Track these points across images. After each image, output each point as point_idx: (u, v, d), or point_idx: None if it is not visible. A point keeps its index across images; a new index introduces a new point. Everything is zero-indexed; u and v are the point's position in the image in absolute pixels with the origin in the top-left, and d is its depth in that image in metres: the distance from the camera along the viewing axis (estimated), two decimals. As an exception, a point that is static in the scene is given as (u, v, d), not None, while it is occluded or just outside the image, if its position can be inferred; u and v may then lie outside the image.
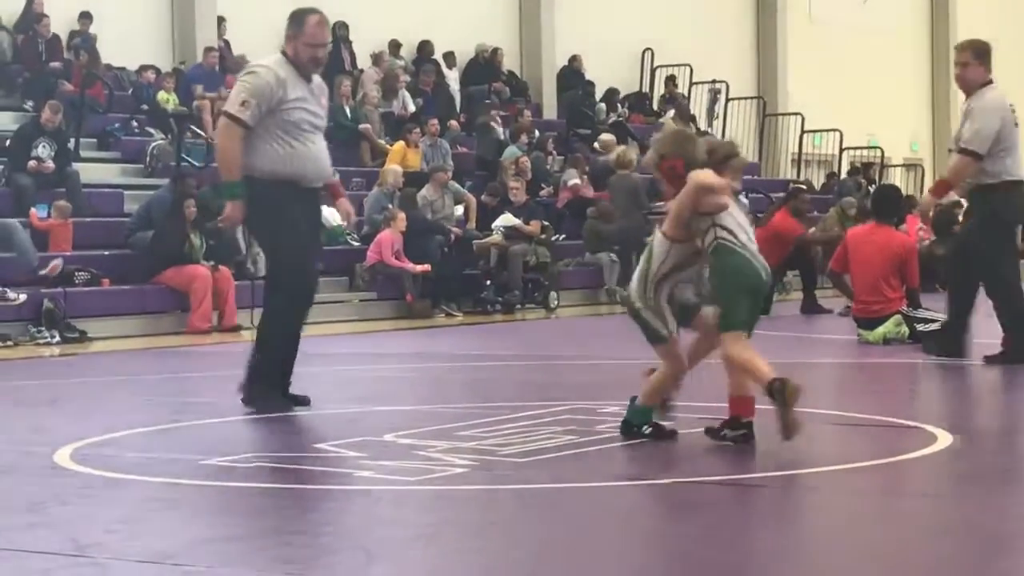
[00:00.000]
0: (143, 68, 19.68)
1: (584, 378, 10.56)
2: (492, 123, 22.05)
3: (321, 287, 17.45)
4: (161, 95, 19.22)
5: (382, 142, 20.69)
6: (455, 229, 18.59)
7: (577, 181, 20.94)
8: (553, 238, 19.37)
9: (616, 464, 6.29)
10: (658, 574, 4.30)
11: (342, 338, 14.48)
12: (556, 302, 18.46)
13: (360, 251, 17.88)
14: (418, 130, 20.29)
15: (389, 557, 4.57)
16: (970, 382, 9.93)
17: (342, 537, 4.84)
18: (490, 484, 5.78)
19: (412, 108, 21.68)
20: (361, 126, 20.60)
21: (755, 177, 26.02)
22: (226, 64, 20.41)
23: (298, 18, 8.15)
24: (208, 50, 20.12)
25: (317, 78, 8.39)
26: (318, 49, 8.23)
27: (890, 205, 12.96)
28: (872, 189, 23.45)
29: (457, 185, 19.48)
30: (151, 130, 18.98)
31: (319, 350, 13.02)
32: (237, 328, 15.40)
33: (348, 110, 20.70)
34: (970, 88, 10.44)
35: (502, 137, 21.98)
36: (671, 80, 26.72)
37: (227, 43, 20.93)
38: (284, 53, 8.16)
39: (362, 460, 6.33)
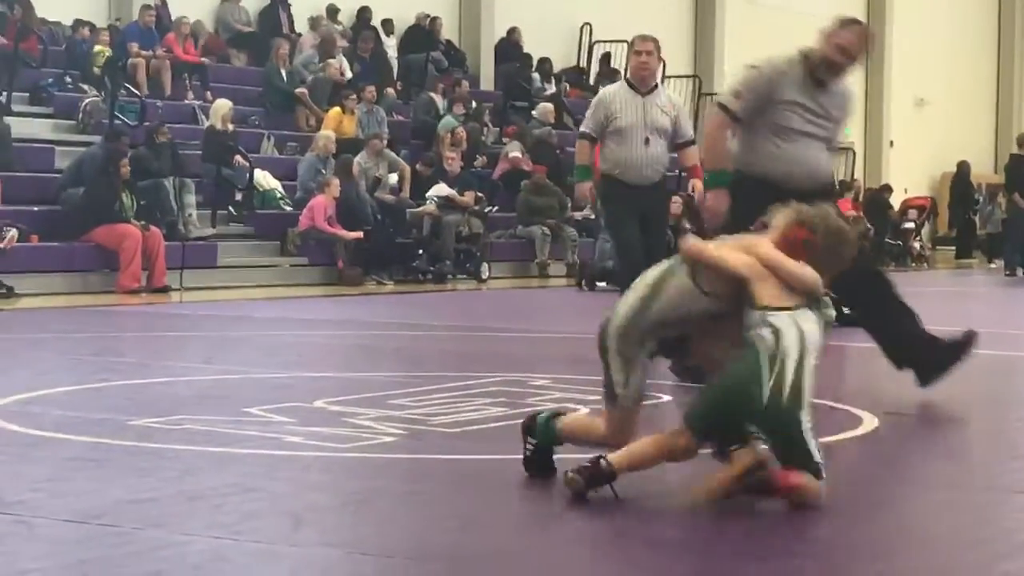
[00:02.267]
0: (78, 24, 19.47)
1: (515, 350, 10.58)
2: (432, 93, 22.02)
3: (252, 251, 17.47)
4: (96, 50, 19.02)
5: (318, 108, 20.58)
6: (388, 197, 18.54)
7: (518, 154, 20.94)
8: (487, 209, 19.36)
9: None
10: (585, 546, 4.33)
11: (272, 303, 14.44)
12: (487, 273, 18.47)
13: (293, 216, 17.80)
14: (354, 96, 20.20)
15: (316, 523, 4.57)
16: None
17: (270, 502, 4.83)
18: (419, 454, 5.79)
19: (349, 74, 21.58)
20: (297, 90, 20.49)
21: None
22: (163, 23, 20.23)
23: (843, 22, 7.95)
24: (145, 8, 19.92)
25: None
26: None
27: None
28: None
29: (392, 153, 19.43)
30: (85, 86, 18.79)
31: (249, 314, 12.98)
32: (166, 288, 15.32)
33: (284, 74, 20.57)
34: None
35: (439, 107, 21.94)
36: (606, 58, 26.70)
37: (164, 2, 20.73)
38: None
39: (291, 426, 6.32)
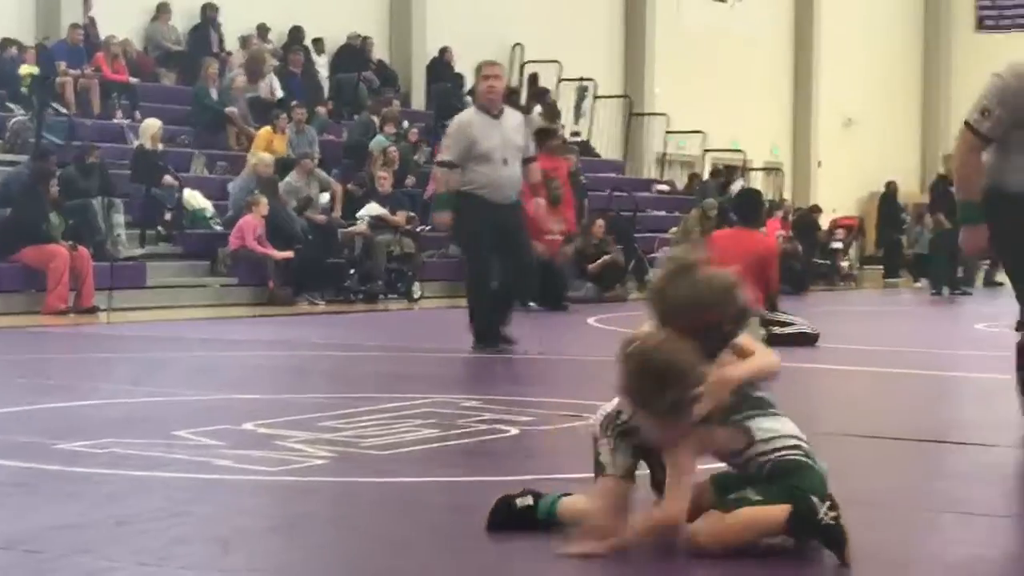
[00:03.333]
0: (6, 42, 19.29)
1: (446, 371, 10.57)
2: (368, 113, 21.98)
3: (181, 271, 17.36)
4: (23, 70, 18.86)
5: (248, 127, 20.50)
6: (320, 217, 18.48)
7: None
8: (418, 229, 19.34)
9: (478, 460, 6.29)
10: (518, 566, 4.31)
11: (202, 323, 14.34)
12: (419, 293, 18.44)
13: (223, 236, 17.71)
14: (285, 116, 20.14)
15: (244, 548, 4.53)
16: (825, 383, 10.10)
17: (197, 527, 4.79)
18: (350, 476, 5.75)
19: (280, 93, 21.52)
20: (227, 109, 20.40)
21: (619, 176, 26.23)
22: (91, 41, 20.09)
23: None
24: (73, 26, 19.78)
25: None
26: None
27: (753, 208, 13.12)
28: (733, 191, 23.72)
29: (323, 173, 19.38)
30: (11, 105, 18.62)
31: (178, 335, 12.88)
32: (94, 309, 15.19)
33: (214, 93, 20.48)
34: None
35: (374, 126, 21.91)
36: (534, 78, 26.76)
37: (92, 20, 20.59)
38: None
39: (220, 449, 6.27)
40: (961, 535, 4.79)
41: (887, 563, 4.29)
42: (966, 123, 6.87)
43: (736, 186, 25.95)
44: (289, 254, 17.28)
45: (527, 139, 11.39)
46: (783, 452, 4.34)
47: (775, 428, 4.39)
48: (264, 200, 17.49)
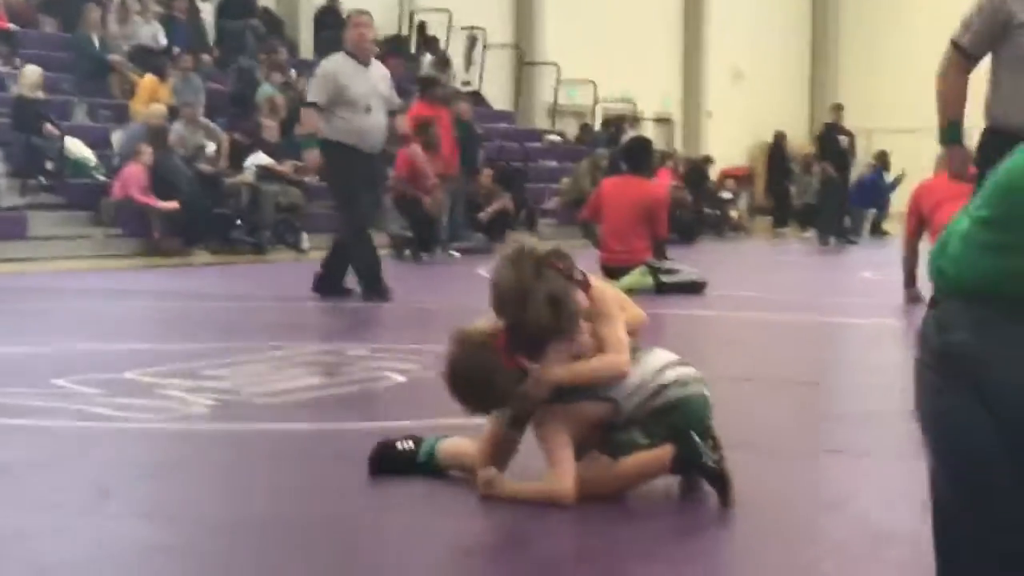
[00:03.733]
0: None
1: (333, 320, 10.51)
2: (253, 61, 21.72)
3: (63, 222, 17.08)
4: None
5: (132, 74, 20.18)
6: (205, 166, 18.26)
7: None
8: (306, 179, 19.17)
9: (362, 407, 6.26)
10: (398, 512, 4.29)
11: (85, 274, 14.13)
12: (307, 244, 18.30)
13: (106, 186, 17.44)
14: (170, 64, 19.84)
15: (124, 495, 4.47)
16: (710, 330, 10.18)
17: (77, 474, 4.72)
18: (232, 424, 5.70)
19: (164, 41, 21.19)
20: (110, 57, 20.06)
21: (510, 126, 26.18)
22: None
23: None
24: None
25: None
26: None
27: (642, 156, 13.15)
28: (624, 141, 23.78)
29: (208, 122, 19.13)
30: None
31: (61, 285, 12.69)
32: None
33: (96, 40, 20.13)
34: None
35: (257, 75, 21.65)
36: (423, 27, 26.60)
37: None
38: None
39: (101, 397, 6.18)
40: (838, 474, 4.85)
41: (767, 502, 4.33)
42: (951, 41, 6.56)
43: (627, 137, 26.03)
44: (174, 204, 17.06)
45: (392, 91, 11.51)
46: (663, 391, 4.35)
47: (650, 367, 4.39)
48: (149, 150, 17.24)
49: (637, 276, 12.16)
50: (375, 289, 11.12)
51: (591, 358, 4.34)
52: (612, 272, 12.26)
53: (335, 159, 11.07)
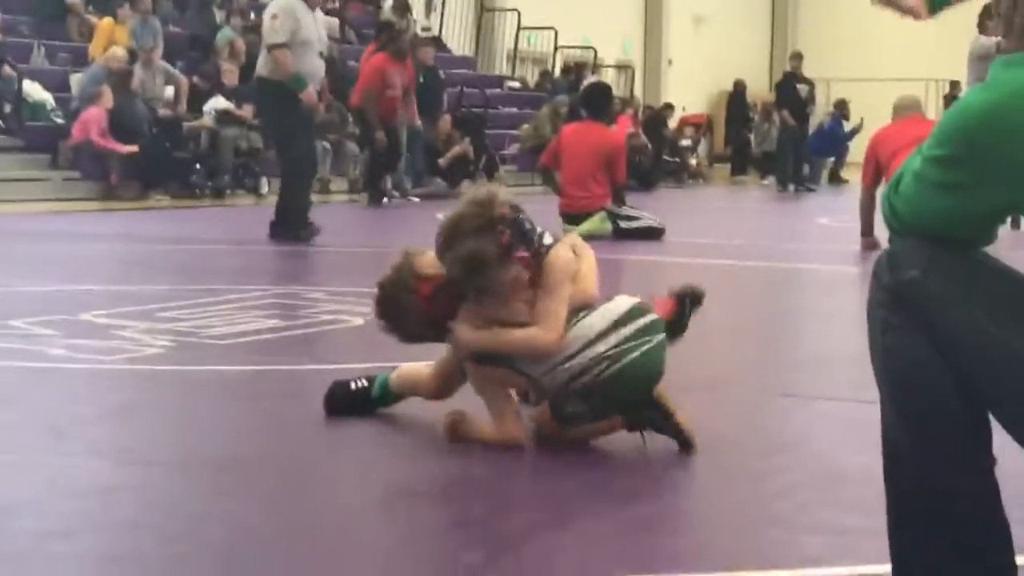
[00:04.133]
0: None
1: (291, 264, 10.49)
2: (212, 6, 21.56)
3: (21, 164, 16.96)
4: None
5: (90, 17, 20.00)
6: (164, 111, 18.14)
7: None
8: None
9: (318, 349, 6.26)
10: (352, 450, 4.31)
11: (43, 217, 14.05)
12: (266, 188, 18.23)
13: (65, 129, 17.31)
14: (127, 6, 19.65)
15: (78, 434, 4.47)
16: (667, 275, 10.20)
17: (30, 413, 4.71)
18: (188, 365, 5.70)
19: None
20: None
21: (471, 72, 26.09)
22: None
23: None
24: (-95, -89, 19.07)
25: None
26: None
27: (601, 101, 13.13)
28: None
29: (167, 65, 18.99)
30: None
31: (17, 228, 12.62)
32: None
33: (55, -18, 19.92)
34: None
35: (217, 19, 21.49)
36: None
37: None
38: None
39: (55, 338, 6.16)
40: (792, 416, 4.88)
41: (722, 443, 4.36)
42: None
43: (587, 83, 25.97)
44: (134, 148, 16.95)
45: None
46: (592, 368, 4.15)
47: (582, 337, 4.18)
48: (109, 93, 17.11)
49: (596, 222, 12.17)
50: (298, 230, 11.19)
51: (518, 328, 4.17)
52: (571, 218, 12.28)
53: (280, 99, 11.14)
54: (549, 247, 4.24)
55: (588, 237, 12.11)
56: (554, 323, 4.13)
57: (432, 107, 20.12)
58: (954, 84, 26.21)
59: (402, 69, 17.39)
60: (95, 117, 16.87)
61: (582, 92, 16.27)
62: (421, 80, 19.95)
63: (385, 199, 17.47)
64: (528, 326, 4.17)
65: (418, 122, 18.49)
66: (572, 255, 4.29)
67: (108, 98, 17.04)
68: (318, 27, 11.47)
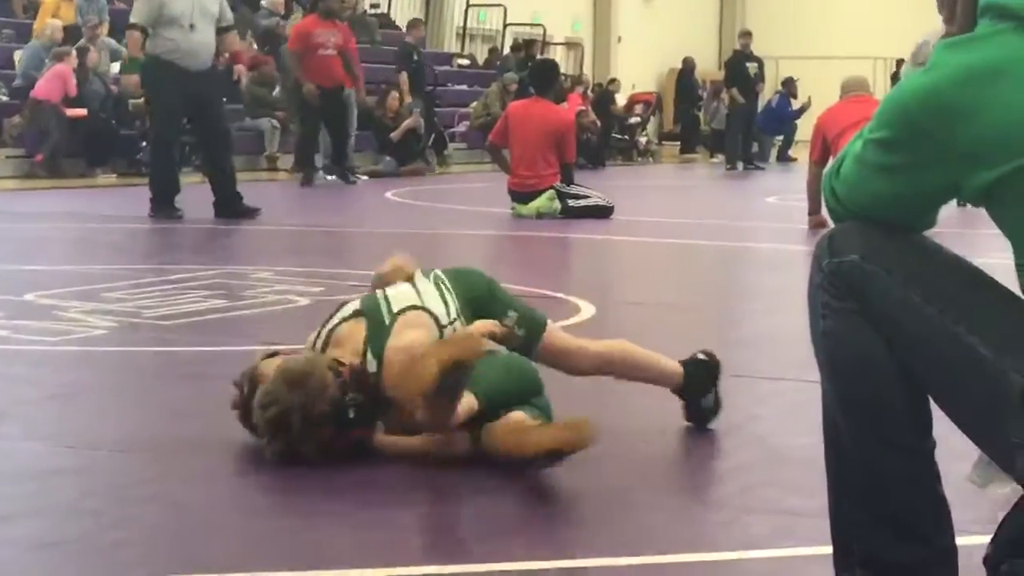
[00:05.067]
0: None
1: (237, 243, 10.44)
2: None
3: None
4: None
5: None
6: (111, 87, 17.99)
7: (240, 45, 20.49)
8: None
9: (263, 330, 6.23)
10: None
11: (-14, 195, 13.92)
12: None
13: (9, 106, 17.15)
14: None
15: (21, 417, 4.43)
16: (614, 255, 10.22)
17: (-29, 396, 4.67)
18: (132, 346, 5.66)
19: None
20: (12, -25, 19.68)
21: (422, 49, 25.99)
22: None
23: None
24: None
25: None
26: None
27: (547, 77, 13.11)
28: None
29: (112, 42, 18.83)
30: None
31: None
32: None
33: (-2, -43, 19.73)
34: None
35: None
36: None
37: None
38: None
39: (-2, 319, 6.11)
40: (737, 397, 4.88)
41: (667, 425, 4.36)
42: None
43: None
44: (82, 111, 16.74)
45: (222, 7, 11.53)
46: None
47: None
48: (73, 53, 16.94)
49: (544, 200, 12.16)
50: (164, 209, 11.24)
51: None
52: (520, 196, 12.27)
53: (156, 76, 11.13)
54: (377, 375, 3.91)
55: (538, 215, 12.19)
56: (418, 442, 3.88)
57: (421, 87, 20.25)
58: (900, 63, 26.31)
59: (334, 30, 16.39)
60: (63, 74, 16.63)
61: (529, 70, 16.24)
62: (415, 59, 19.92)
63: (322, 174, 16.99)
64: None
65: (363, 96, 17.67)
66: (399, 367, 3.86)
67: (73, 58, 16.87)
68: (197, 3, 11.15)
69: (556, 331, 4.31)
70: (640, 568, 3.11)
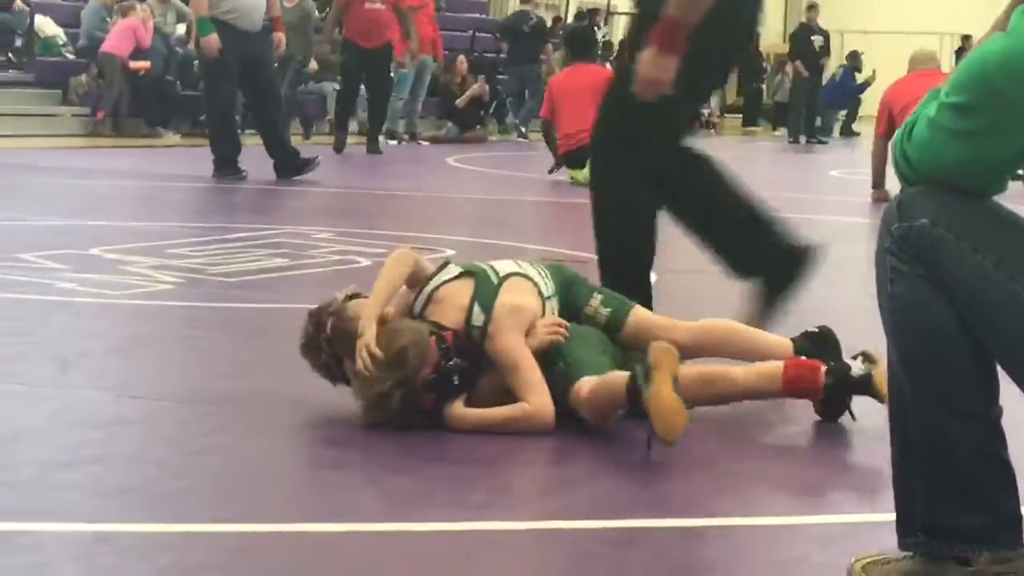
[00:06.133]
0: None
1: (300, 203, 10.48)
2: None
3: (32, 99, 16.93)
4: None
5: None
6: (176, 48, 18.08)
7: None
8: (276, 64, 18.95)
9: (324, 288, 6.24)
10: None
11: (53, 152, 14.03)
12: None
13: (76, 64, 17.27)
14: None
15: (85, 367, 4.48)
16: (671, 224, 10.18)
17: (38, 346, 4.72)
18: (195, 301, 5.70)
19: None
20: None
21: (483, 16, 25.98)
22: None
23: None
24: None
25: None
26: None
27: (585, 43, 13.07)
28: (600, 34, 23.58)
29: (179, 2, 18.89)
30: None
31: (28, 162, 12.60)
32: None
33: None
34: None
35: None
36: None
37: None
38: None
39: (65, 272, 6.17)
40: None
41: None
42: None
43: (604, 31, 25.89)
44: (146, 64, 16.81)
45: None
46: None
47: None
48: (138, 7, 17.01)
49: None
50: (227, 169, 11.24)
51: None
52: (573, 156, 12.07)
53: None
54: (482, 330, 3.96)
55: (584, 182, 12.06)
56: (539, 388, 3.88)
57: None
58: (965, 38, 26.07)
59: None
60: (134, 26, 16.68)
61: (565, 37, 16.08)
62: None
63: (383, 139, 16.65)
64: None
65: (422, 54, 17.05)
66: (512, 319, 3.97)
67: (139, 9, 16.92)
68: None
69: (644, 310, 4.28)
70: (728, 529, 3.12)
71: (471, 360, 3.92)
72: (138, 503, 3.18)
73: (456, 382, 3.87)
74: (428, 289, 4.08)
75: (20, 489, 3.20)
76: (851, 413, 4.00)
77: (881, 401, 3.80)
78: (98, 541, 2.92)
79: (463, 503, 3.25)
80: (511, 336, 3.93)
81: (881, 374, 3.78)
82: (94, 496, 3.19)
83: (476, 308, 3.99)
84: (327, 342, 3.97)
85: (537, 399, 3.85)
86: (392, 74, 16.19)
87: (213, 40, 10.87)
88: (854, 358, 4.04)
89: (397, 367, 3.81)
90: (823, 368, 3.98)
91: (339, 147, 15.05)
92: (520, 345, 3.93)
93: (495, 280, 4.09)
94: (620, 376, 3.76)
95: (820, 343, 4.18)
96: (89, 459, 3.46)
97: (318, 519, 3.08)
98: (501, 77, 22.26)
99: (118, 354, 4.73)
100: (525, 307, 4.01)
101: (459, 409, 3.86)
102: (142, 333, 5.10)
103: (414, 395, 3.82)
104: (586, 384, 3.85)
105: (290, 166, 11.47)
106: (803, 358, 4.05)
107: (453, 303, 4.01)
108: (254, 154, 11.67)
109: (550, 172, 12.63)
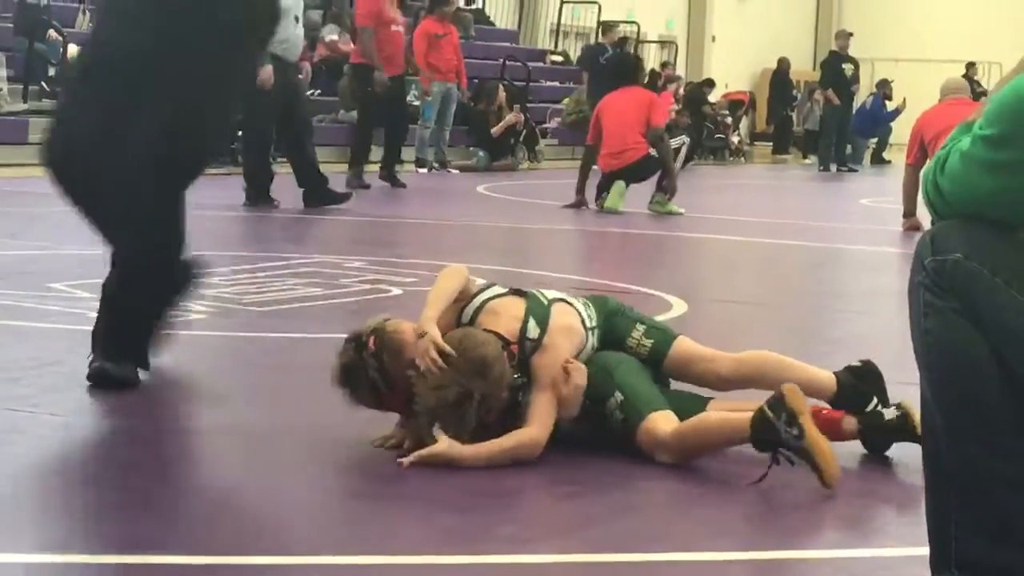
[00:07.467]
0: None
1: (332, 232, 10.51)
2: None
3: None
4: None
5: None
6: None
7: (335, 37, 20.62)
8: (307, 94, 19.04)
9: (355, 318, 6.26)
10: (380, 422, 4.32)
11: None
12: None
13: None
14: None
15: (116, 395, 4.49)
16: (703, 253, 10.18)
17: (69, 376, 4.73)
18: (227, 332, 5.72)
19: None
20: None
21: (513, 45, 26.05)
22: None
23: None
24: None
25: None
26: None
27: (628, 68, 13.21)
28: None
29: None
30: None
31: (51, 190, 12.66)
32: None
33: (101, -53, 19.95)
34: None
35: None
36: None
37: None
38: None
39: (95, 301, 6.16)
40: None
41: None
42: None
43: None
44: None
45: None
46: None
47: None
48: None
49: (615, 197, 12.14)
50: (260, 198, 11.38)
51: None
52: (615, 174, 12.23)
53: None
54: (535, 343, 3.98)
55: (606, 209, 12.13)
56: (545, 420, 3.87)
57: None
58: (969, 65, 26.23)
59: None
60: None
61: (610, 64, 16.17)
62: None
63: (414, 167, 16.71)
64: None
65: (455, 83, 17.05)
66: (566, 339, 4.02)
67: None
68: None
69: (688, 340, 4.25)
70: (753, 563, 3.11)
71: (527, 377, 3.92)
72: (172, 534, 3.18)
73: (520, 398, 3.86)
74: (478, 301, 4.08)
75: (51, 518, 3.21)
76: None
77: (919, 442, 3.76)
78: (129, 571, 2.92)
79: (494, 536, 3.24)
80: (561, 354, 3.94)
81: (916, 416, 3.76)
82: (127, 523, 3.20)
83: (531, 322, 4.00)
84: (374, 357, 3.90)
85: (539, 431, 3.85)
86: (418, 103, 16.24)
87: (269, 72, 10.79)
88: (887, 407, 4.04)
89: (476, 375, 3.77)
90: (845, 417, 4.03)
91: (356, 182, 13.72)
92: (559, 371, 3.91)
93: (545, 301, 4.11)
94: (721, 417, 3.86)
95: (863, 377, 4.17)
96: (126, 490, 3.47)
97: (353, 551, 3.08)
98: (531, 106, 22.33)
99: (150, 385, 4.74)
100: (576, 331, 4.05)
101: (454, 448, 3.75)
102: (173, 362, 5.10)
103: (486, 411, 3.78)
104: (661, 423, 3.84)
105: (319, 194, 11.50)
106: (824, 410, 4.05)
107: (508, 313, 4.02)
108: (283, 182, 11.72)
109: (569, 207, 12.59)
